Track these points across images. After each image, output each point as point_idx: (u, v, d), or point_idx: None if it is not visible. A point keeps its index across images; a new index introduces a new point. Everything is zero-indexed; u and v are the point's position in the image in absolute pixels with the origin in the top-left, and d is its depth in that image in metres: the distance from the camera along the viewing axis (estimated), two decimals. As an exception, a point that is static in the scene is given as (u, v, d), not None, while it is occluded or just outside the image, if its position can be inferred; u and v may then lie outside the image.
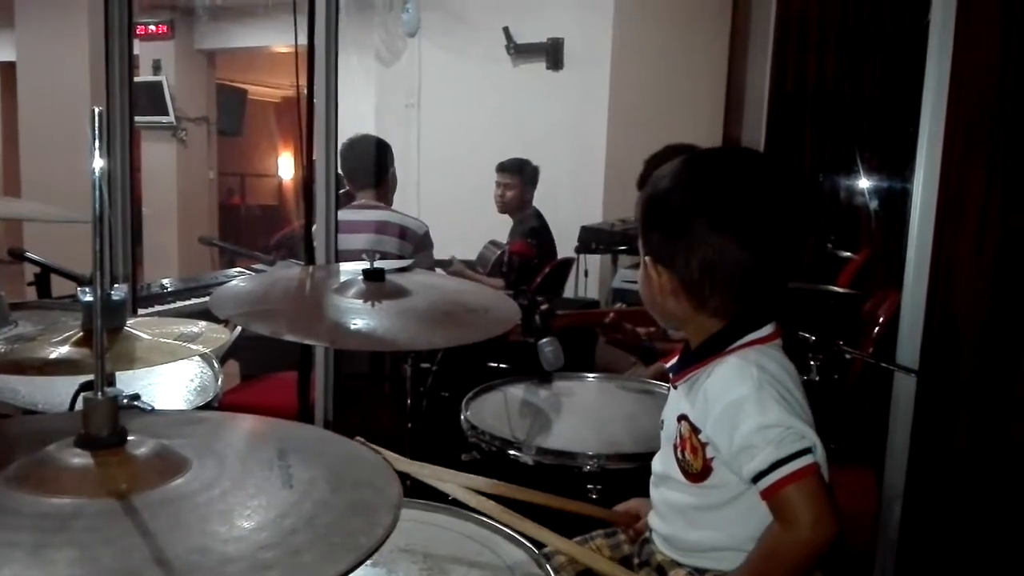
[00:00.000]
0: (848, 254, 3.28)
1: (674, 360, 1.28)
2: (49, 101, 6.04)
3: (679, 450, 1.22)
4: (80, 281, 2.46)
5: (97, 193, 0.77)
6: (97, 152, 0.76)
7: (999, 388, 2.05)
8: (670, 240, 1.18)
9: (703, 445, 1.18)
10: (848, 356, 1.96)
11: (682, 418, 1.21)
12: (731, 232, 1.14)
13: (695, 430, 1.19)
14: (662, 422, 1.30)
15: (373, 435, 1.39)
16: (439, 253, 3.52)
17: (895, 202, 3.90)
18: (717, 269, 1.15)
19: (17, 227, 6.29)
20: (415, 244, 3.24)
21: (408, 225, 3.26)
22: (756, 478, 1.10)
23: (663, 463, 1.27)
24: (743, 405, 1.12)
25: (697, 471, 1.19)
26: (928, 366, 1.95)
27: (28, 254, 2.75)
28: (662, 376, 2.31)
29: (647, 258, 1.22)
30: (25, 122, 6.46)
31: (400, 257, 3.11)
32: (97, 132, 0.77)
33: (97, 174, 0.76)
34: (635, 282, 1.27)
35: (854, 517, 1.55)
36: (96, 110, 0.77)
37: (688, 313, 1.20)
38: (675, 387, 1.27)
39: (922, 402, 1.98)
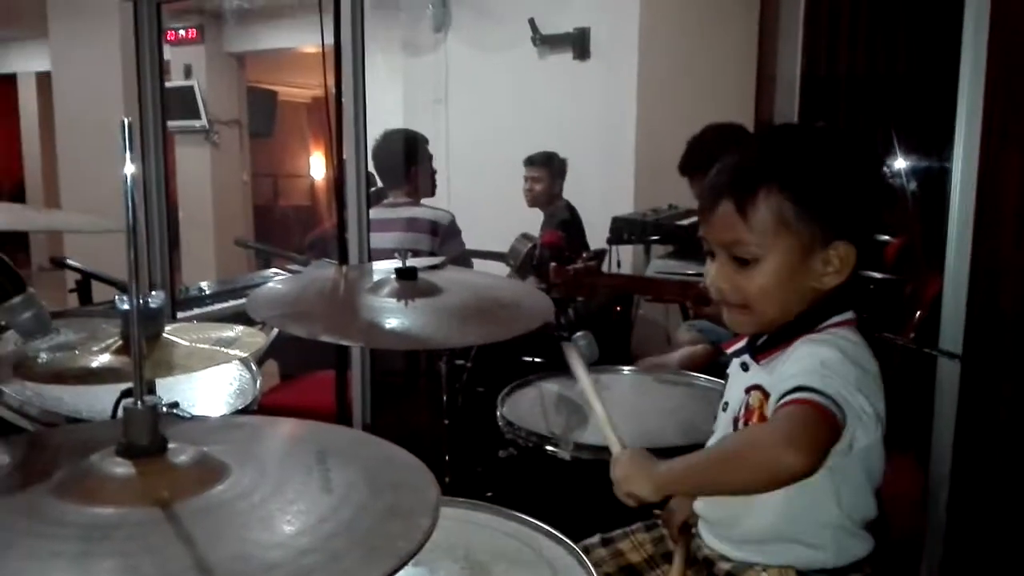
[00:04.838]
0: (887, 238, 3.21)
1: (738, 345, 1.24)
2: (84, 109, 6.12)
3: (742, 423, 1.18)
4: (120, 287, 2.50)
5: (129, 203, 0.77)
6: (128, 162, 0.77)
7: (1046, 370, 2.01)
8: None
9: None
10: (890, 342, 1.92)
11: (753, 388, 1.17)
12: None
13: (767, 396, 1.14)
14: (726, 404, 1.26)
15: (410, 432, 1.39)
16: (470, 247, 3.52)
17: (933, 183, 3.82)
18: None
19: (58, 235, 6.39)
20: (443, 236, 3.25)
21: (436, 219, 3.27)
22: (779, 398, 1.06)
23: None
24: (816, 361, 1.08)
25: None
26: (972, 350, 1.91)
27: (68, 261, 2.81)
28: (686, 360, 2.31)
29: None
30: (62, 131, 6.57)
31: (432, 253, 3.12)
32: (127, 142, 0.77)
33: (128, 184, 0.77)
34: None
35: (897, 502, 1.53)
36: (126, 120, 0.78)
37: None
38: (745, 368, 1.22)
39: (967, 387, 1.94)
